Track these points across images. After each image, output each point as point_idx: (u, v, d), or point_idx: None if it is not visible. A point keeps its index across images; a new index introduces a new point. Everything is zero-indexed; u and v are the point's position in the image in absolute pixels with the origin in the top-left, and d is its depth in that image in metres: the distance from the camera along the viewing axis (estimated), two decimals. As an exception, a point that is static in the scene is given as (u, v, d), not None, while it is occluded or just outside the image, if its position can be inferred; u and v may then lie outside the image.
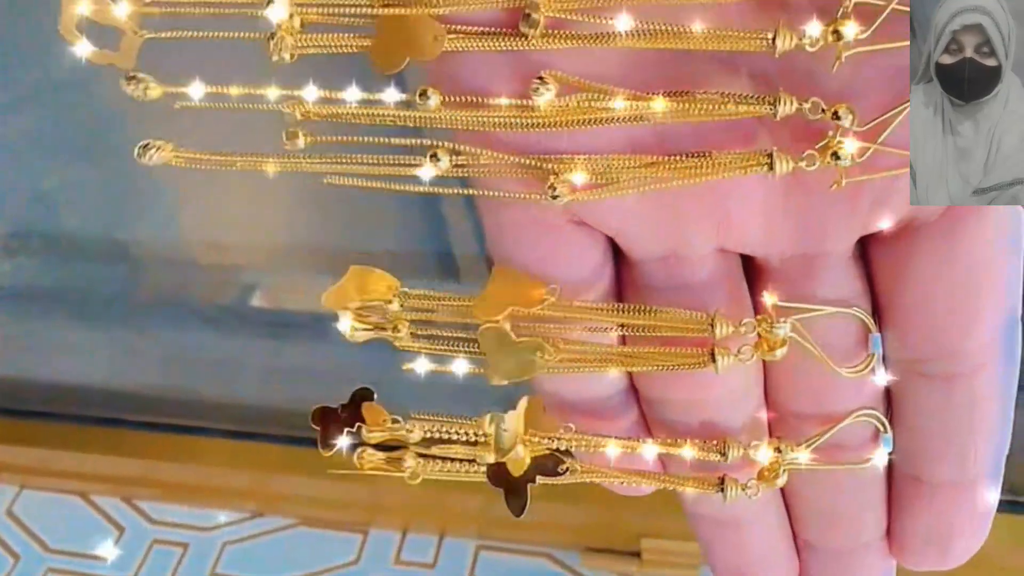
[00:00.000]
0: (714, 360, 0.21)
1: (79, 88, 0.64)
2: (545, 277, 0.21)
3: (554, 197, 0.19)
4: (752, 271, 0.22)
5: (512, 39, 0.18)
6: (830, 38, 0.17)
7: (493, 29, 0.19)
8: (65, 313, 0.78)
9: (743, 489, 0.22)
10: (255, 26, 0.19)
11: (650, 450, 0.22)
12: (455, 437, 0.22)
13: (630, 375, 0.23)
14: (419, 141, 0.20)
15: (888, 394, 0.23)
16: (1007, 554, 0.62)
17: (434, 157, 0.20)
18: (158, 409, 0.79)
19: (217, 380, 0.78)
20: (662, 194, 0.20)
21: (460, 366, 0.22)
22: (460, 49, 0.19)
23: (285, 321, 0.76)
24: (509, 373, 0.21)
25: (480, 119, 0.19)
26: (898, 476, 0.23)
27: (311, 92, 0.20)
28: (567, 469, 0.22)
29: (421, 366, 0.22)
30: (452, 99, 0.19)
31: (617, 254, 0.22)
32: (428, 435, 0.22)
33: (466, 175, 0.20)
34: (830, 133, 0.19)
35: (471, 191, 0.20)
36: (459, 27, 0.19)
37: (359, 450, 0.23)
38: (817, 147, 0.19)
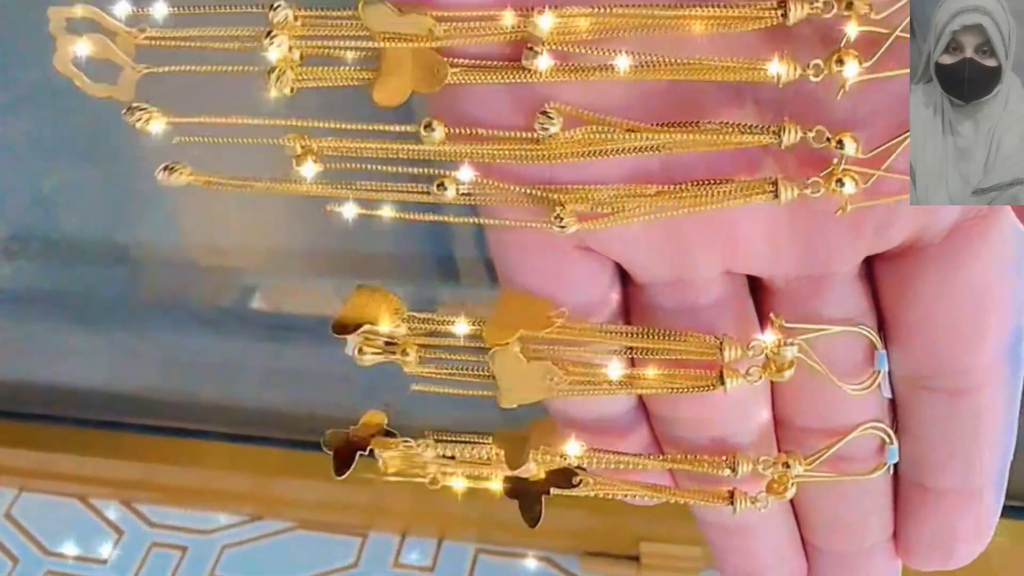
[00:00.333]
0: (723, 382, 0.21)
1: (79, 90, 0.63)
2: (553, 301, 0.21)
3: (561, 227, 0.19)
4: (758, 290, 0.22)
5: (516, 72, 0.18)
6: (834, 68, 0.18)
7: (496, 63, 0.18)
8: (65, 316, 0.77)
9: (753, 503, 0.22)
10: (255, 58, 0.19)
11: (661, 467, 0.22)
12: (467, 457, 0.22)
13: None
14: (427, 170, 0.20)
15: (893, 404, 0.23)
16: (1007, 553, 0.62)
17: (441, 186, 0.20)
18: (158, 412, 0.79)
19: (217, 383, 0.78)
20: (667, 221, 0.20)
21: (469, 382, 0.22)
22: (463, 82, 0.18)
23: (285, 324, 0.76)
24: (519, 397, 0.21)
25: (485, 152, 0.19)
26: (903, 482, 0.23)
27: (317, 127, 0.19)
28: (580, 482, 0.23)
29: (430, 386, 0.23)
30: (456, 131, 0.19)
31: (624, 276, 0.22)
32: (441, 455, 0.22)
33: (473, 203, 0.20)
34: (835, 161, 0.19)
35: (478, 220, 0.20)
36: (461, 60, 0.19)
37: (384, 455, 0.23)
38: (822, 175, 0.19)
